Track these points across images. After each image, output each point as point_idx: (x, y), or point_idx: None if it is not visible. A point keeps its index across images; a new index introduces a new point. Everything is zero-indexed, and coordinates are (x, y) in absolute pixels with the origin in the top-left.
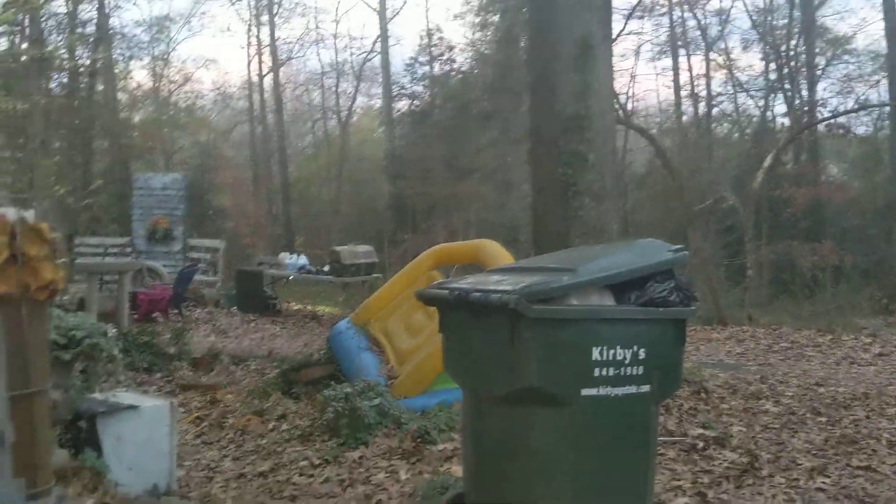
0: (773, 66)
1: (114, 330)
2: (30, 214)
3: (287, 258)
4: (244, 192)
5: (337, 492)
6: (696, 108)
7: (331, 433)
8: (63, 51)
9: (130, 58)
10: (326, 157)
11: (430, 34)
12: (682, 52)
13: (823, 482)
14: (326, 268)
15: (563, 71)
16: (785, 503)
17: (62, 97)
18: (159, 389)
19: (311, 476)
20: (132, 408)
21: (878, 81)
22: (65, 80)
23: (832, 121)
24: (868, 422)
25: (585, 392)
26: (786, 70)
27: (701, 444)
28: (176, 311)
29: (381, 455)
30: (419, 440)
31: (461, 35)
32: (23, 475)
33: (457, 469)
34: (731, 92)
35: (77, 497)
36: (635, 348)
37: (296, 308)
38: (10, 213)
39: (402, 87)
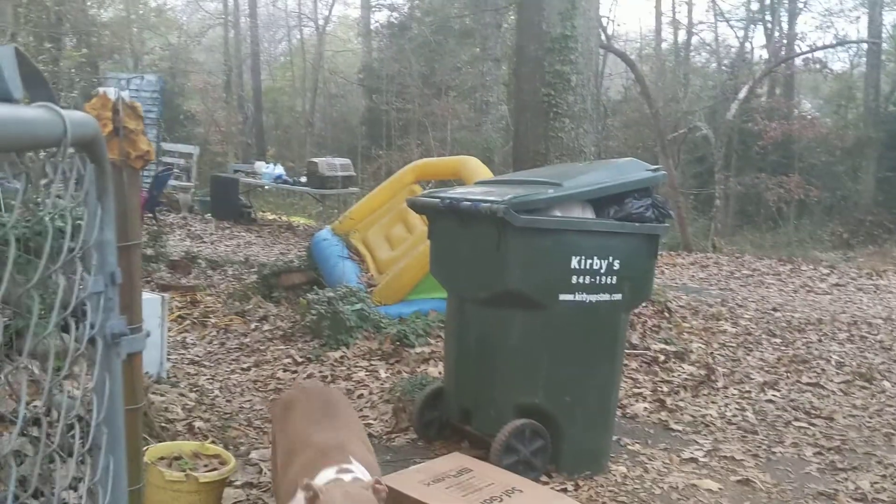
0: None
1: None
2: (126, 94)
3: (264, 167)
4: (215, 99)
5: None
6: (676, 35)
7: (313, 334)
8: None
9: None
10: (301, 66)
11: None
12: None
13: (774, 395)
14: (303, 179)
15: None
16: (737, 411)
17: None
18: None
19: (295, 372)
20: None
21: (858, 17)
22: None
23: (809, 55)
24: (819, 344)
25: (563, 297)
26: (767, 1)
27: (662, 358)
28: (150, 214)
29: (361, 356)
30: (398, 343)
31: None
32: (123, 313)
33: (433, 370)
34: (713, 21)
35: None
36: (611, 259)
37: (270, 218)
38: (111, 91)
39: None
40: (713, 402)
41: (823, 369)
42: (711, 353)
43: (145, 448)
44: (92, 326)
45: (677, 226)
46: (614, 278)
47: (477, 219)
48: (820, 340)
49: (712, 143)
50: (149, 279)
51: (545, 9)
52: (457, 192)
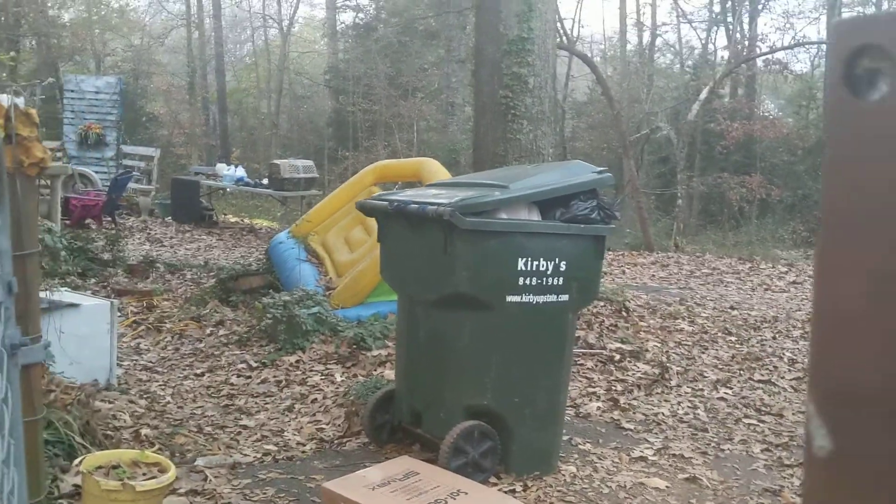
0: None
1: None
2: (20, 101)
3: (224, 169)
4: (179, 101)
5: (274, 391)
6: (640, 37)
7: (268, 339)
8: None
9: None
10: (266, 68)
11: None
12: None
13: (726, 393)
14: (265, 181)
15: None
16: (689, 409)
17: None
18: (94, 294)
19: (249, 377)
20: (74, 305)
21: (817, 18)
22: None
23: (770, 56)
24: (774, 342)
25: (510, 299)
26: (729, 3)
27: (617, 357)
28: (109, 218)
29: (317, 360)
30: (355, 346)
31: None
32: (19, 323)
33: (389, 373)
34: (675, 22)
35: None
36: (557, 261)
37: (232, 220)
38: (4, 98)
39: None
40: (666, 401)
41: (776, 366)
42: (667, 351)
43: (82, 458)
44: None
45: (639, 225)
46: (561, 279)
47: (425, 221)
48: (774, 338)
49: (675, 144)
50: (105, 284)
51: (502, 11)
52: (406, 194)
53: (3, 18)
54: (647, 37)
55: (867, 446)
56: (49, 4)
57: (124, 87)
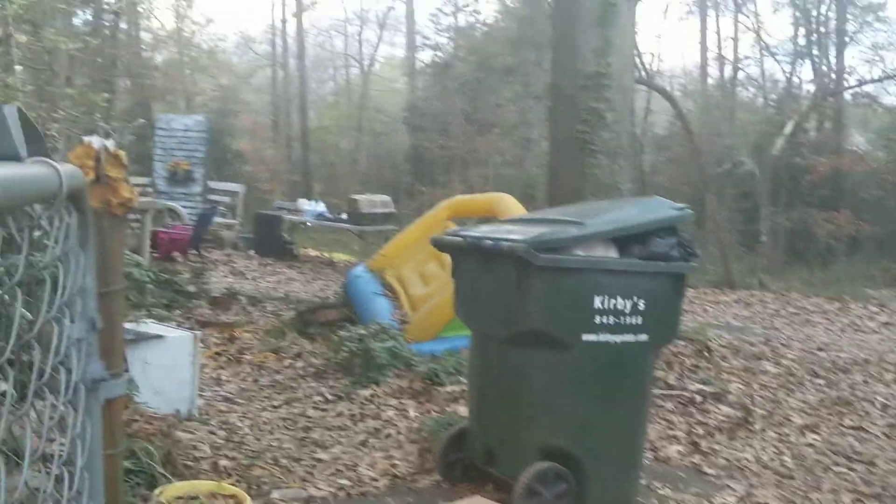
0: (802, 30)
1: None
2: (110, 143)
3: (305, 204)
4: (263, 138)
5: (349, 424)
6: (721, 70)
7: (344, 372)
8: None
9: None
10: (347, 105)
11: None
12: (710, 12)
13: (814, 438)
14: (344, 216)
15: (585, 27)
16: (774, 455)
17: (87, 35)
18: (179, 325)
19: (325, 410)
20: (159, 337)
21: None
22: (90, 17)
23: (858, 89)
24: (865, 386)
25: (586, 337)
26: (815, 35)
27: (699, 399)
28: (195, 251)
29: (391, 394)
30: (428, 382)
31: None
32: (103, 358)
33: (463, 409)
34: (758, 56)
35: None
36: (635, 299)
37: (312, 254)
38: (96, 140)
39: (426, 38)
40: (750, 446)
41: (867, 412)
42: (751, 394)
43: (162, 488)
44: (70, 371)
45: (721, 262)
46: (639, 318)
47: (499, 258)
48: (865, 382)
49: (757, 179)
50: (189, 315)
51: (579, 47)
52: (480, 230)
53: (100, 60)
54: (728, 70)
55: None
56: (143, 47)
57: (211, 126)
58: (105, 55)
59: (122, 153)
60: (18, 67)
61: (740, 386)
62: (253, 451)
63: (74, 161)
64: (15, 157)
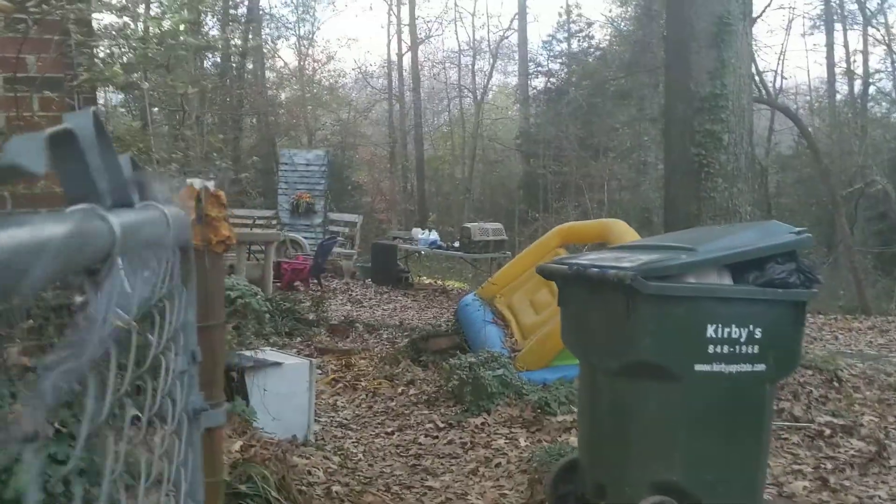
0: None
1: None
2: (210, 184)
3: (419, 234)
4: (381, 169)
5: (459, 453)
6: (850, 86)
7: (455, 399)
8: (217, 34)
9: (278, 38)
10: (461, 135)
11: (568, 10)
12: (837, 26)
13: None
14: (456, 244)
15: (698, 49)
16: None
17: (216, 76)
18: (299, 352)
19: (436, 438)
20: (277, 364)
21: None
22: (218, 59)
23: None
24: None
25: (699, 368)
26: None
27: (828, 432)
28: (315, 281)
29: (502, 423)
30: (539, 411)
31: (600, 11)
32: (204, 389)
33: (574, 439)
34: (890, 69)
35: (228, 439)
36: (751, 327)
37: (426, 282)
38: (197, 182)
39: (539, 65)
40: (883, 482)
41: None
42: (885, 427)
43: None
44: (175, 402)
45: (854, 287)
46: (756, 347)
47: (606, 286)
48: None
49: (892, 199)
50: (309, 342)
51: (693, 69)
52: (587, 257)
53: (228, 100)
54: (858, 85)
55: None
56: (268, 86)
57: (331, 159)
58: (233, 95)
59: (222, 194)
60: (155, 109)
61: (873, 418)
62: (365, 478)
63: (178, 202)
64: (130, 205)
